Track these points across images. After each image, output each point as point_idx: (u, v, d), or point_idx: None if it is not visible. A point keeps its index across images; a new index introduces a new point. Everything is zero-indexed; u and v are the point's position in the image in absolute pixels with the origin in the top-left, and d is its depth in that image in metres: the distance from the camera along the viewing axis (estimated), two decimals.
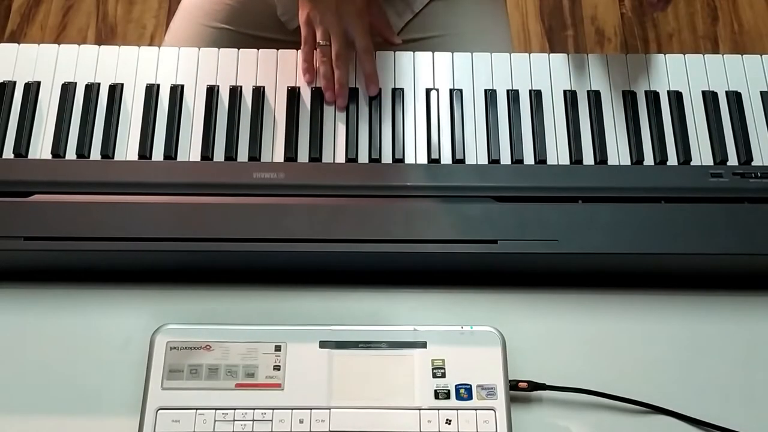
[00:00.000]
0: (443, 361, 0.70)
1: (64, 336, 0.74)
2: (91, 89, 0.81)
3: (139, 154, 0.78)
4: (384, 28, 0.90)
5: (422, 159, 0.79)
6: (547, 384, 0.70)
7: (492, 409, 0.68)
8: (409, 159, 0.79)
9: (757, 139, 0.81)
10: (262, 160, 0.78)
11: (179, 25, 1.04)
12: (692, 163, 0.79)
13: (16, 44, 0.84)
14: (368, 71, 0.82)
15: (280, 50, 0.84)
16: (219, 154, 0.78)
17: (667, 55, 0.85)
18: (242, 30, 1.02)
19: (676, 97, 0.82)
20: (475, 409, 0.68)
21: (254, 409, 0.68)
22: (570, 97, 0.82)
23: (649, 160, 0.79)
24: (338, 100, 0.81)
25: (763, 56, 0.85)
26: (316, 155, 0.79)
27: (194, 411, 0.68)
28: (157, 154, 0.78)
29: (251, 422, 0.68)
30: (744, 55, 0.85)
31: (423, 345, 0.71)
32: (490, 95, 0.82)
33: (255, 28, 1.03)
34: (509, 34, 1.11)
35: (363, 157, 0.79)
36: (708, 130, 0.81)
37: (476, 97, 0.82)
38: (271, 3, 1.00)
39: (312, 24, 0.83)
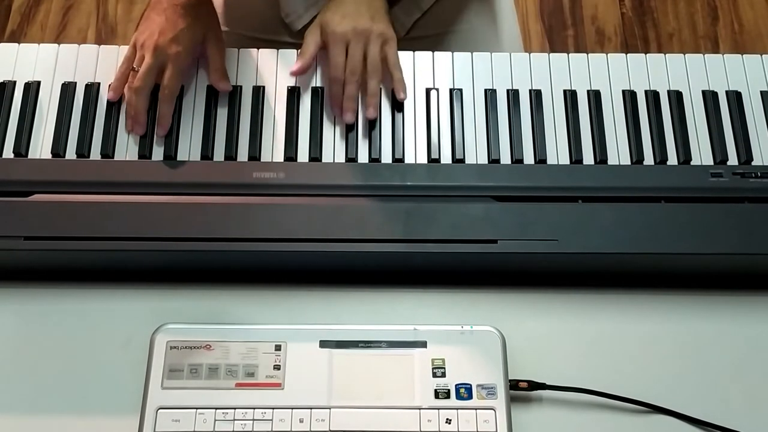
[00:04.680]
0: (443, 360, 0.70)
1: (64, 336, 0.74)
2: (91, 89, 0.81)
3: (139, 154, 0.78)
4: (213, 70, 0.82)
5: (422, 159, 0.79)
6: (547, 384, 0.70)
7: (492, 408, 0.68)
8: (409, 159, 0.79)
9: (757, 139, 0.81)
10: (262, 160, 0.78)
11: None
12: (692, 163, 0.79)
13: (17, 44, 0.84)
14: (161, 111, 0.79)
15: (280, 50, 0.84)
16: (219, 154, 0.78)
17: (667, 54, 0.85)
18: (247, 33, 1.03)
19: (676, 97, 0.82)
20: (475, 409, 0.68)
21: (254, 408, 0.68)
22: (570, 97, 0.82)
23: (649, 159, 0.79)
24: (137, 128, 0.78)
25: (763, 56, 0.85)
26: (316, 155, 0.79)
27: (194, 410, 0.68)
28: (157, 153, 0.78)
29: (251, 422, 0.68)
30: (744, 55, 0.85)
31: (423, 345, 0.71)
32: (490, 95, 0.82)
33: (260, 31, 1.03)
34: (517, 29, 1.11)
35: (363, 157, 0.79)
36: (708, 129, 0.81)
37: (476, 96, 0.82)
38: (273, 5, 1.00)
39: (136, 47, 0.81)
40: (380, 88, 0.82)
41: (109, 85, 0.81)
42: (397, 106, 0.81)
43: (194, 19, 0.80)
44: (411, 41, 1.01)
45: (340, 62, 0.81)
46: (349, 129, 0.80)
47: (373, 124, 0.80)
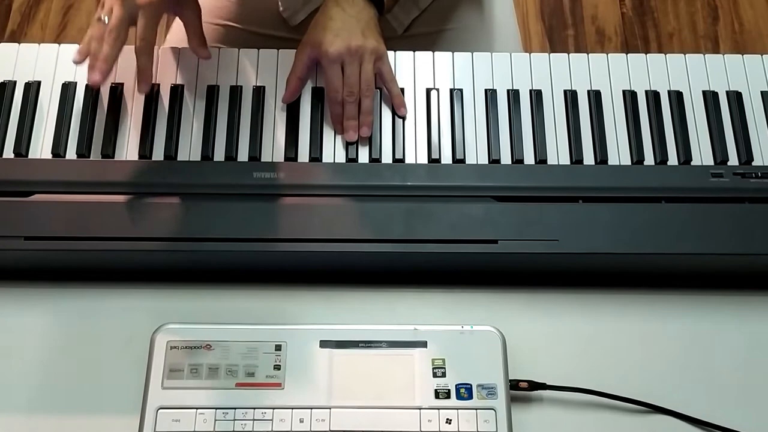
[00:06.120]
0: (443, 360, 0.70)
1: (64, 336, 0.74)
2: (91, 89, 0.81)
3: (139, 154, 0.78)
4: (191, 35, 0.80)
5: (422, 159, 0.79)
6: (548, 384, 0.70)
7: (492, 408, 0.68)
8: (409, 159, 0.79)
9: (757, 139, 0.80)
10: (262, 160, 0.78)
11: (181, 24, 1.04)
12: (693, 163, 0.79)
13: (17, 44, 0.84)
14: (140, 65, 0.74)
15: (280, 50, 0.84)
16: (219, 154, 0.78)
17: (667, 54, 0.85)
18: (245, 27, 1.03)
19: (676, 97, 0.82)
20: (476, 409, 0.68)
21: (254, 408, 0.68)
22: (570, 97, 0.82)
23: (649, 159, 0.79)
24: (93, 74, 0.72)
25: (763, 56, 0.85)
26: (316, 155, 0.79)
27: (194, 410, 0.68)
28: (158, 153, 0.78)
29: (251, 421, 0.68)
30: (744, 55, 0.85)
31: (423, 344, 0.71)
32: (491, 95, 0.82)
33: (258, 25, 1.03)
34: (516, 27, 1.11)
35: (363, 157, 0.79)
36: (708, 129, 0.81)
37: (476, 96, 0.82)
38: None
39: (102, 2, 0.76)
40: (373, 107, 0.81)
41: (77, 50, 0.77)
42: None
43: None
44: (409, 39, 1.01)
45: (338, 84, 0.80)
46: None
47: (373, 124, 0.80)
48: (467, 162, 0.79)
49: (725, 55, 0.85)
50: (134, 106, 0.80)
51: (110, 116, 0.80)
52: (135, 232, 0.73)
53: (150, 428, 0.67)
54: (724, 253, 0.73)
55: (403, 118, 0.81)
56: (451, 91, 0.82)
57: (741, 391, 0.72)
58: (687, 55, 0.85)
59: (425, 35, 1.02)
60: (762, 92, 0.83)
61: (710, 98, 0.82)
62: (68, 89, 0.81)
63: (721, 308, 0.76)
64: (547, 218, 0.74)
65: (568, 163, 0.79)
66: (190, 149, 0.79)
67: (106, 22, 0.74)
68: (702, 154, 0.80)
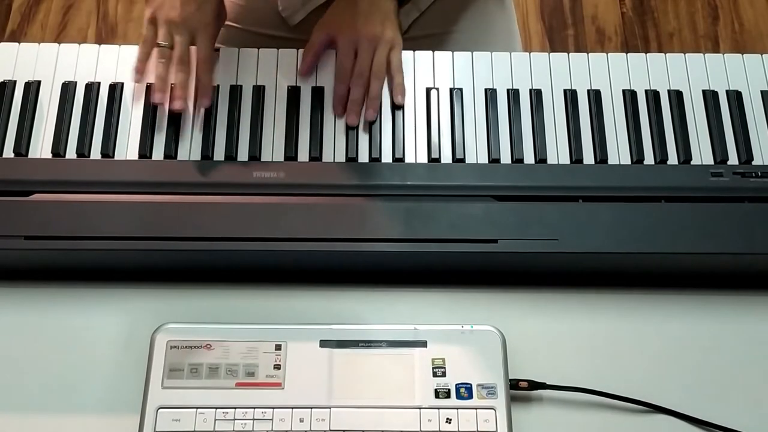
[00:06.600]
0: (443, 360, 0.70)
1: (64, 336, 0.74)
2: (92, 88, 0.81)
3: (139, 154, 0.78)
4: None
5: (422, 158, 0.79)
6: (548, 383, 0.70)
7: (492, 408, 0.68)
8: (409, 158, 0.79)
9: (757, 139, 0.80)
10: (262, 160, 0.78)
11: None
12: (692, 163, 0.79)
13: (17, 43, 0.84)
14: (203, 82, 0.79)
15: (280, 50, 0.84)
16: (219, 154, 0.78)
17: (667, 54, 0.85)
18: (245, 27, 1.03)
19: (676, 97, 0.82)
20: (476, 408, 0.68)
21: (255, 408, 0.68)
22: (570, 97, 0.82)
23: (649, 159, 0.79)
24: (176, 103, 0.78)
25: (763, 55, 0.85)
26: (316, 155, 0.79)
27: (194, 410, 0.68)
28: (158, 153, 0.78)
29: (251, 421, 0.68)
30: (744, 55, 0.85)
31: (423, 344, 0.71)
32: (491, 94, 0.82)
33: (257, 25, 1.03)
34: (517, 29, 1.11)
35: (363, 157, 0.79)
36: (708, 129, 0.81)
37: (476, 96, 0.82)
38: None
39: (155, 24, 0.81)
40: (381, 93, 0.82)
41: (135, 68, 0.80)
42: (398, 106, 0.81)
43: None
44: (409, 41, 1.01)
45: (348, 66, 0.82)
46: (350, 128, 0.80)
47: (373, 124, 0.80)
48: (467, 161, 0.79)
49: (725, 55, 0.85)
50: (134, 106, 0.81)
51: (110, 116, 0.80)
52: (135, 232, 0.73)
53: (150, 428, 0.67)
54: (724, 252, 0.73)
55: (402, 108, 0.81)
56: (451, 90, 0.82)
57: (741, 391, 0.72)
58: (687, 54, 0.85)
59: (426, 38, 1.02)
60: (762, 92, 0.83)
61: (710, 98, 0.82)
62: (68, 89, 0.81)
63: (721, 308, 0.76)
64: (547, 218, 0.74)
65: (568, 162, 0.79)
66: (190, 149, 0.79)
67: (166, 45, 0.78)
68: (702, 153, 0.80)
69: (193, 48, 0.81)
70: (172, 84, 0.79)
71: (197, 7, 0.79)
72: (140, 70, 0.81)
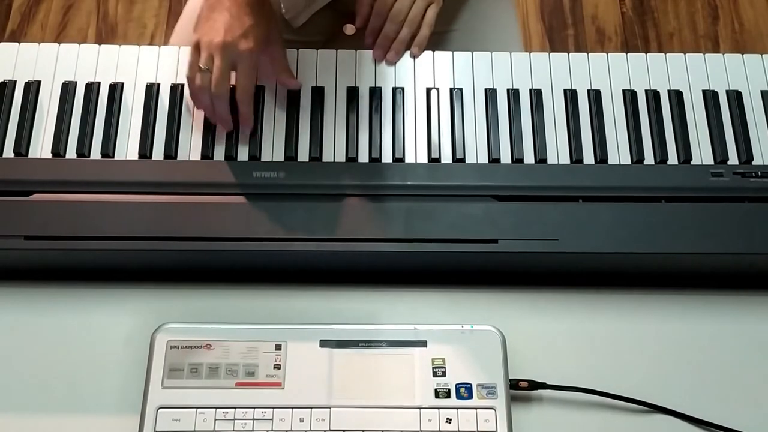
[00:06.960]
0: (443, 360, 0.70)
1: (64, 336, 0.74)
2: (92, 88, 0.81)
3: (139, 154, 0.78)
4: (281, 70, 0.82)
5: (422, 158, 0.79)
6: (548, 383, 0.70)
7: (492, 408, 0.68)
8: (410, 158, 0.79)
9: (757, 139, 0.80)
10: (262, 160, 0.78)
11: (185, 27, 1.04)
12: (693, 163, 0.79)
13: (17, 43, 0.84)
14: (243, 112, 0.78)
15: None
16: (219, 154, 0.78)
17: (667, 54, 0.85)
18: None
19: (676, 97, 0.82)
20: (476, 408, 0.68)
21: (254, 408, 0.68)
22: (570, 97, 0.82)
23: (649, 159, 0.79)
24: (224, 127, 0.78)
25: (763, 55, 0.85)
26: (316, 155, 0.79)
27: (194, 410, 0.68)
28: (158, 153, 0.78)
29: (251, 421, 0.68)
30: (744, 55, 0.85)
31: (423, 344, 0.71)
32: (491, 94, 0.82)
33: None
34: (518, 29, 1.11)
35: (363, 157, 0.79)
36: (708, 129, 0.81)
37: (476, 96, 0.82)
38: (275, 2, 1.00)
39: (199, 49, 0.79)
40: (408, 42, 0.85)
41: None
42: (398, 106, 0.81)
43: (260, 17, 0.79)
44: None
45: (389, 2, 0.86)
46: (350, 128, 0.80)
47: (372, 124, 0.80)
48: (467, 161, 0.79)
49: (725, 55, 0.85)
50: (134, 106, 0.80)
51: (110, 116, 0.80)
52: (135, 232, 0.73)
53: (150, 428, 0.67)
54: (724, 252, 0.73)
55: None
56: (451, 90, 0.82)
57: (741, 391, 0.72)
58: (687, 54, 0.85)
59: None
60: (762, 92, 0.83)
61: (710, 98, 0.82)
62: (68, 89, 0.81)
63: (721, 308, 0.76)
64: (547, 218, 0.74)
65: (568, 162, 0.79)
66: (190, 149, 0.79)
67: (207, 69, 0.76)
68: (702, 153, 0.80)
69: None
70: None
71: (242, 33, 0.76)
72: (192, 98, 0.79)
